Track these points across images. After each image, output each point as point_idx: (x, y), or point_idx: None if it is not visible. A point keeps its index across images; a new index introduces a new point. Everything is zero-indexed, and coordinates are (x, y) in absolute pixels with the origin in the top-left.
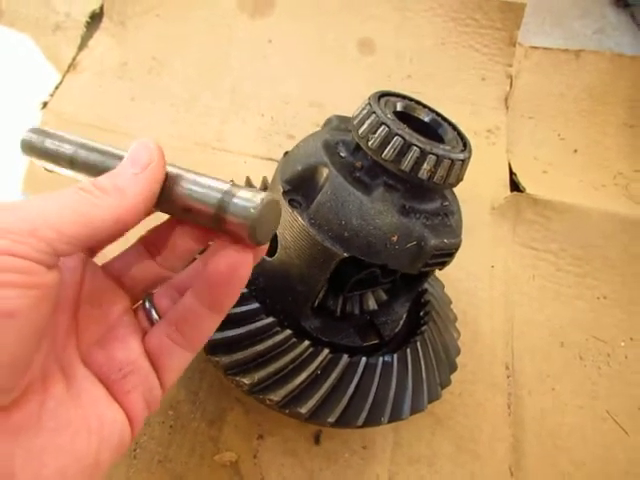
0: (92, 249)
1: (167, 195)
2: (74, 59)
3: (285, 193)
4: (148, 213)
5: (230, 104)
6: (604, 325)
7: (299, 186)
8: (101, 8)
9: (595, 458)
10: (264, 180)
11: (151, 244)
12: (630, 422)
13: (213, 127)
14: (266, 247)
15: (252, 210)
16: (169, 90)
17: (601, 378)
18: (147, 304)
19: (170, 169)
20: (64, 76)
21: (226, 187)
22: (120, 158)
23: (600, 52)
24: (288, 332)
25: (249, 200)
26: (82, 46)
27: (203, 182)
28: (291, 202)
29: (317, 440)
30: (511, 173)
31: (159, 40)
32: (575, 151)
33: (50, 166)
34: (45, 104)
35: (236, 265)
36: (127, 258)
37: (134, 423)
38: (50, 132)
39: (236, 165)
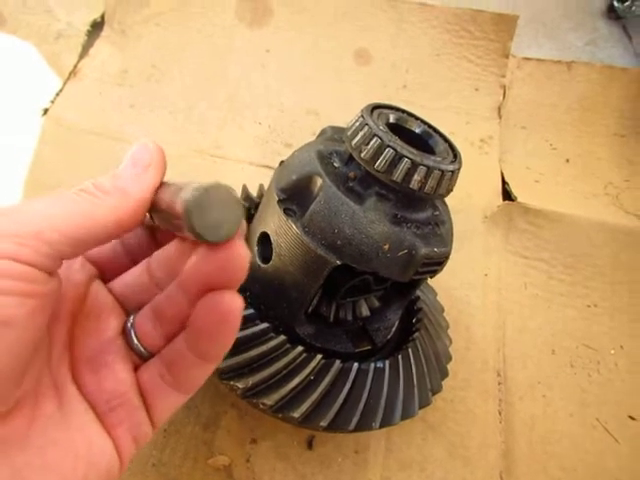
0: (103, 272)
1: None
2: (75, 66)
3: (280, 202)
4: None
5: (228, 112)
6: (594, 333)
7: (294, 195)
8: (102, 17)
9: (585, 465)
10: (260, 187)
11: (155, 265)
12: (620, 430)
13: (211, 135)
14: (242, 271)
15: (189, 196)
16: (168, 98)
17: (591, 386)
18: (128, 324)
19: None
20: (65, 83)
21: (188, 183)
22: None
23: (592, 63)
24: (282, 338)
25: (194, 188)
26: (83, 54)
27: (177, 183)
28: (286, 210)
29: (310, 445)
30: (503, 182)
31: (159, 48)
32: (567, 161)
33: None
34: (46, 110)
35: (224, 314)
36: (129, 279)
37: (122, 456)
38: None
39: (233, 172)
